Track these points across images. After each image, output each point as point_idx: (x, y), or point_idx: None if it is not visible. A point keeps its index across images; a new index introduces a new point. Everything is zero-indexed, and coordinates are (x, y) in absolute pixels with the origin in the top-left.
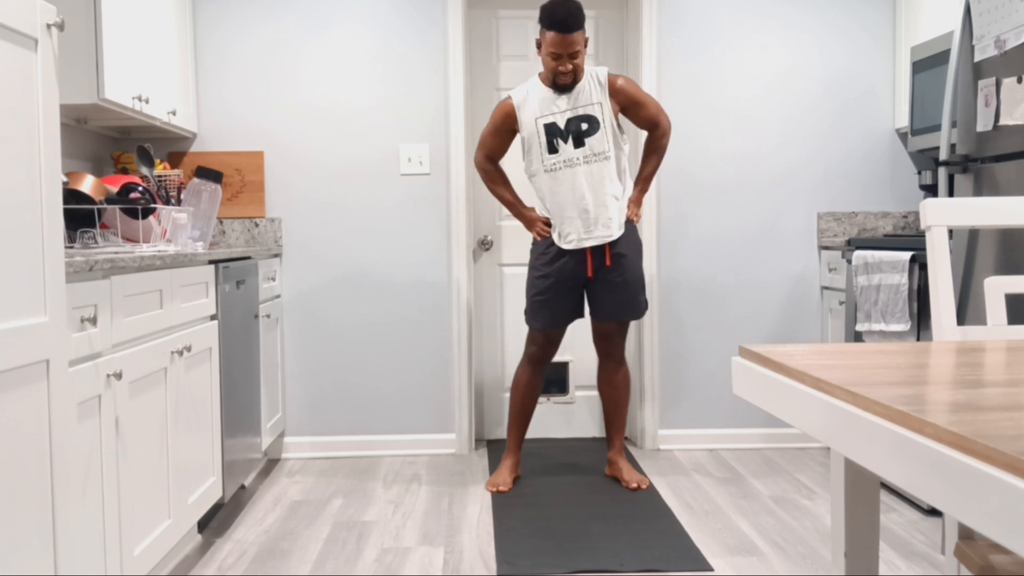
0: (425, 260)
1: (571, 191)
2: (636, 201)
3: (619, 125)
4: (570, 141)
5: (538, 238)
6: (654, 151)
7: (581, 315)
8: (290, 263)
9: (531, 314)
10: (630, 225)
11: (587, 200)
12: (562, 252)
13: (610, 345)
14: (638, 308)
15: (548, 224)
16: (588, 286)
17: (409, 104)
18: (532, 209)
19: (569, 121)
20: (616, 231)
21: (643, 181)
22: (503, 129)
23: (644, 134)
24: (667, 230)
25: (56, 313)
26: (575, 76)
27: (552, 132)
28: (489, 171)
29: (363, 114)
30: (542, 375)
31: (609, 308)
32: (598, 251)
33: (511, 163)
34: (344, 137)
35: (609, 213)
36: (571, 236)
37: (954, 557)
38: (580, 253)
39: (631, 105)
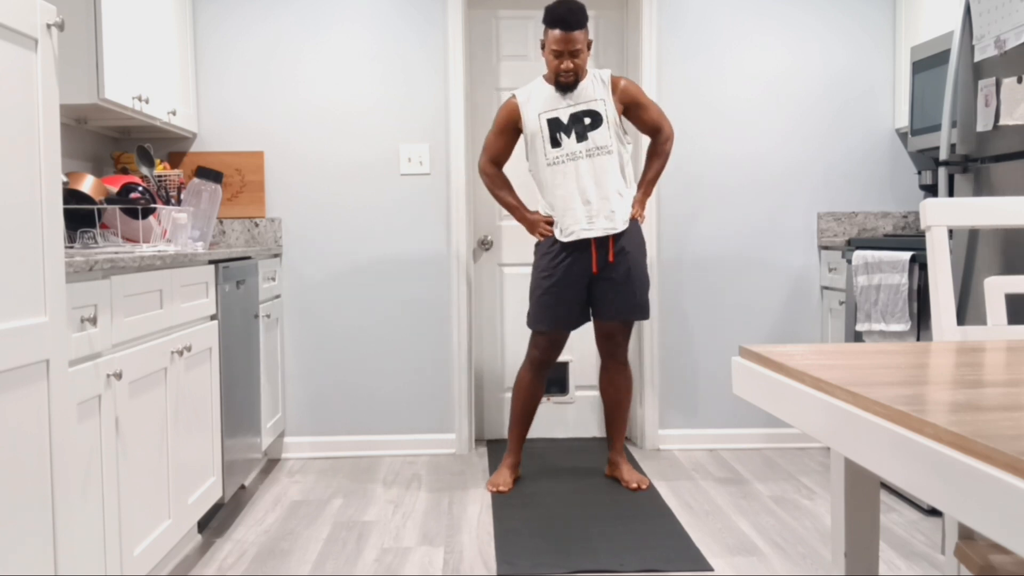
0: (425, 260)
1: (575, 183)
2: (640, 203)
3: (622, 126)
4: (573, 135)
5: (540, 239)
6: (657, 155)
7: (587, 319)
8: (290, 263)
9: (535, 316)
10: (634, 224)
11: (590, 192)
12: (565, 249)
13: (613, 346)
14: (643, 308)
15: (550, 224)
16: (592, 285)
17: (409, 104)
18: (535, 212)
19: (572, 116)
20: (620, 225)
21: (647, 184)
22: (508, 128)
23: (646, 141)
24: (667, 230)
25: (56, 313)
26: (576, 75)
27: (555, 127)
28: (492, 175)
29: (363, 114)
30: (544, 378)
31: (614, 307)
32: (601, 246)
33: (514, 167)
34: (344, 137)
35: (612, 206)
36: (572, 228)
37: (954, 557)
38: (584, 247)
39: (633, 106)
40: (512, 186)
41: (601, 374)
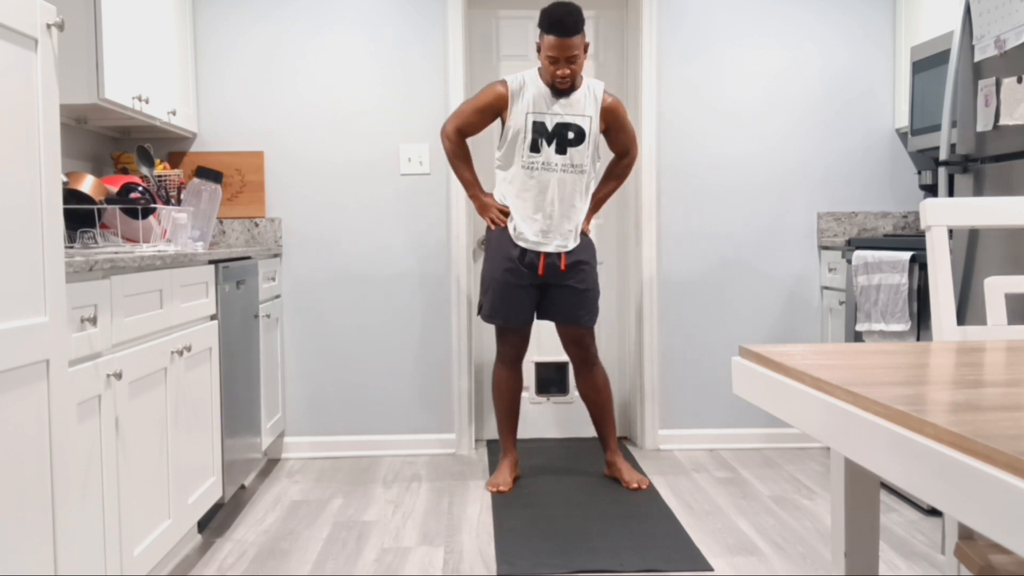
0: (425, 260)
1: (542, 193)
2: (587, 218)
3: (598, 147)
4: (553, 145)
5: (492, 227)
6: (616, 176)
7: (533, 317)
8: (290, 263)
9: (491, 309)
10: (585, 236)
11: (554, 207)
12: (522, 248)
13: (582, 349)
14: (594, 316)
15: (505, 213)
16: (551, 292)
17: (409, 104)
18: (490, 195)
19: (558, 125)
20: (572, 243)
21: (597, 202)
22: (489, 111)
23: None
24: (667, 230)
25: (56, 313)
26: (573, 80)
27: (539, 131)
28: (456, 144)
29: (363, 114)
30: (520, 372)
31: (576, 313)
32: (552, 255)
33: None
34: (344, 137)
35: (569, 226)
36: (527, 236)
37: (954, 557)
38: (534, 253)
39: (615, 127)
40: (471, 161)
41: (578, 379)
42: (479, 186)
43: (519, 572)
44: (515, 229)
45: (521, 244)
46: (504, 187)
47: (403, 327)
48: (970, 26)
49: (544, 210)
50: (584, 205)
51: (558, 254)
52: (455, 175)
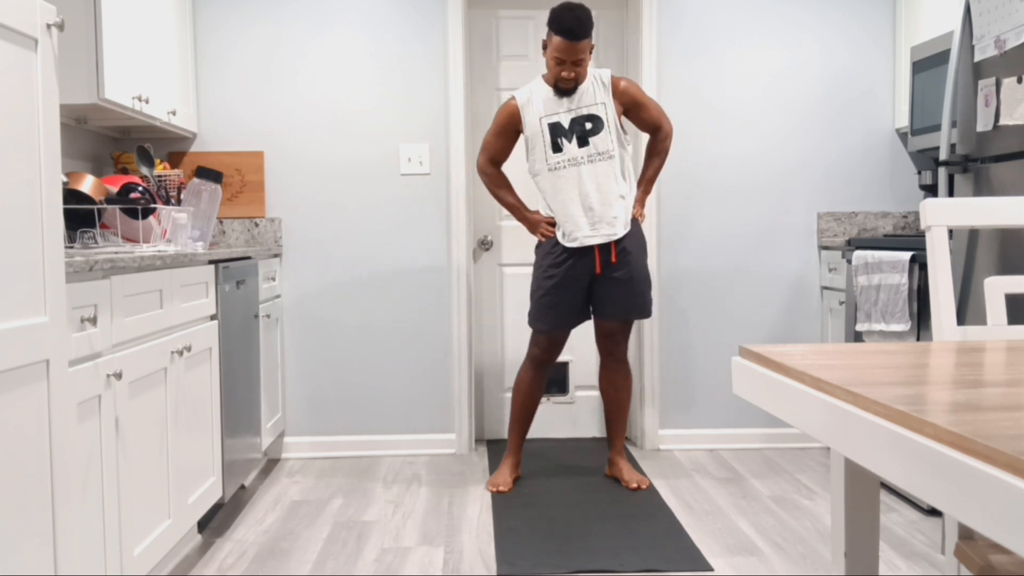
0: (425, 260)
1: (576, 189)
2: (640, 201)
3: (622, 127)
4: (574, 140)
5: (542, 239)
6: (656, 154)
7: (587, 317)
8: (290, 263)
9: (536, 316)
10: (635, 224)
11: (592, 198)
12: (568, 252)
13: (612, 344)
14: (644, 307)
15: (552, 224)
16: (593, 284)
17: (409, 104)
18: (536, 212)
19: (573, 121)
20: (621, 230)
21: (646, 183)
22: (508, 130)
23: (645, 138)
24: (667, 230)
25: (56, 313)
26: (577, 81)
27: (556, 131)
28: (492, 175)
29: (363, 114)
30: (545, 377)
31: (614, 306)
32: (604, 249)
33: (513, 166)
34: (344, 137)
35: (614, 212)
36: (576, 234)
37: (954, 557)
38: (587, 251)
39: (634, 107)
40: (511, 185)
41: (601, 372)
42: (524, 207)
43: (519, 572)
44: (564, 235)
45: (572, 245)
46: (543, 194)
47: (403, 327)
48: (970, 26)
49: (583, 203)
50: (625, 189)
51: (608, 245)
52: (500, 204)
